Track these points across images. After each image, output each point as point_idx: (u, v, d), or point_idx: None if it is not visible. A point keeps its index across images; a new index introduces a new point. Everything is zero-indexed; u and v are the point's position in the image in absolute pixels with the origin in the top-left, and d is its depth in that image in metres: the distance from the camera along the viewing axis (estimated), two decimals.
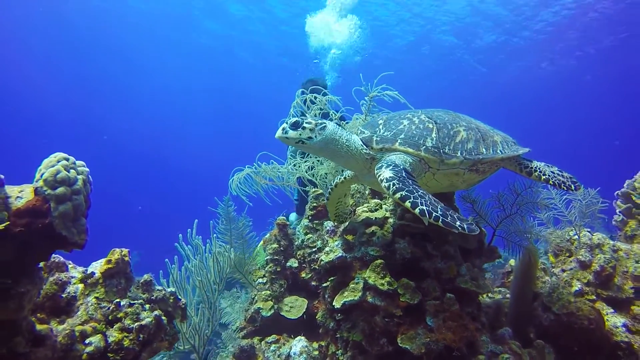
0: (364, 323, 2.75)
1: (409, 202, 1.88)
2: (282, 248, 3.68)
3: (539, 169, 2.64)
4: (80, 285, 1.89)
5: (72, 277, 1.94)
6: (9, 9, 19.84)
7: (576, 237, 3.25)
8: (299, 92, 4.13)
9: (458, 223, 1.83)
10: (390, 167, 2.12)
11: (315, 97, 4.10)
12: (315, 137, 2.22)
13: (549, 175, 2.59)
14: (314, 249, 3.30)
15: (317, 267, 3.15)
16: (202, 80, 32.25)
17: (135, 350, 1.76)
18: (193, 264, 3.18)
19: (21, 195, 1.36)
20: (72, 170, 1.48)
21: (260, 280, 3.70)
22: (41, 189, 1.39)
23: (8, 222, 1.25)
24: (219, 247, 3.41)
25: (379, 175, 2.11)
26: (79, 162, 1.54)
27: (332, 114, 4.08)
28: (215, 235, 3.54)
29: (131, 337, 1.75)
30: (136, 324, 1.77)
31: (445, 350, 2.44)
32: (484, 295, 3.17)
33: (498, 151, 2.46)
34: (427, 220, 1.84)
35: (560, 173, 2.65)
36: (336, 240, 3.09)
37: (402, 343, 2.52)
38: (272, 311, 3.38)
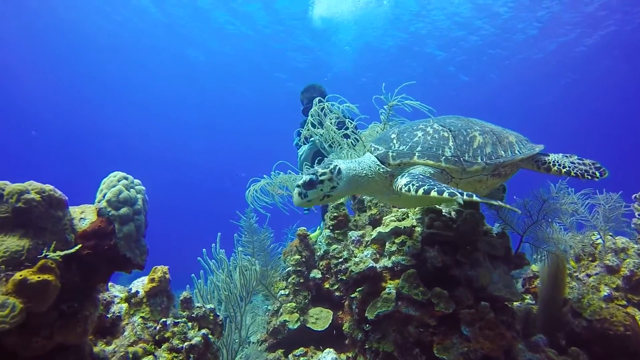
0: (395, 333, 2.74)
1: (435, 191, 1.82)
2: (304, 259, 3.66)
3: (557, 162, 2.54)
4: (125, 305, 1.87)
5: (115, 297, 1.91)
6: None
7: (599, 241, 3.27)
8: (316, 100, 4.11)
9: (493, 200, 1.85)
10: (406, 175, 2.09)
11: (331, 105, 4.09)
12: (338, 183, 2.11)
13: (569, 167, 2.48)
14: (340, 260, 3.29)
15: (345, 278, 3.14)
16: (220, 94, 32.39)
17: None
18: (218, 278, 3.15)
19: (84, 216, 1.34)
20: (132, 190, 1.46)
21: (282, 292, 3.68)
22: (105, 210, 1.37)
23: (80, 245, 1.23)
24: (244, 259, 3.39)
25: (397, 186, 2.06)
26: (136, 181, 1.52)
27: (347, 123, 4.08)
28: (240, 248, 3.52)
29: (181, 358, 1.72)
30: (186, 343, 1.74)
31: (483, 359, 2.44)
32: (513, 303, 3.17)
33: (516, 152, 2.40)
34: (462, 199, 1.76)
35: (580, 161, 2.55)
36: (364, 251, 3.09)
37: (438, 353, 2.51)
38: (299, 323, 3.35)
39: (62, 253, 1.26)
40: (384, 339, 2.83)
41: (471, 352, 2.44)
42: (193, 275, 3.25)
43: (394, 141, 2.30)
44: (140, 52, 25.25)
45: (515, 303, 3.28)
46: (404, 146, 2.24)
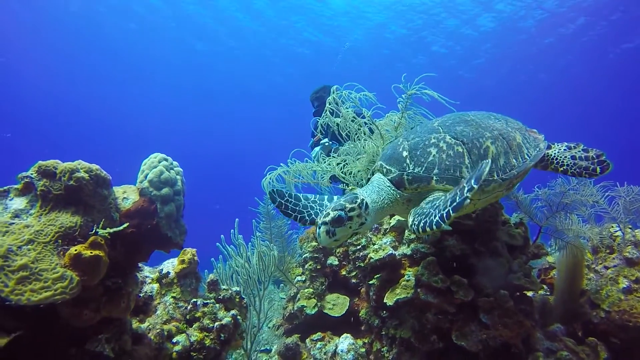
0: (413, 320, 2.78)
1: (427, 227, 1.67)
2: (321, 246, 3.69)
3: (556, 158, 2.45)
4: (156, 285, 1.92)
5: (146, 277, 1.96)
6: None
7: (618, 233, 3.26)
8: (334, 87, 4.09)
9: (466, 190, 1.57)
10: (412, 212, 1.93)
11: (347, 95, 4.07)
12: (366, 219, 1.95)
13: (567, 165, 2.40)
14: (358, 247, 3.32)
15: (364, 265, 3.18)
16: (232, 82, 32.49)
17: (217, 349, 1.78)
18: (237, 263, 3.20)
19: (126, 195, 1.38)
20: (172, 171, 1.50)
21: (298, 277, 3.73)
22: (147, 190, 1.41)
23: (127, 224, 1.27)
24: (262, 245, 3.44)
25: (409, 224, 1.90)
26: (175, 163, 1.56)
27: (364, 112, 4.06)
28: (258, 234, 3.57)
29: (212, 337, 1.78)
30: (217, 323, 1.79)
31: (502, 347, 2.47)
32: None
33: (526, 156, 2.25)
34: (446, 225, 1.60)
35: (583, 155, 2.43)
36: (383, 238, 3.12)
37: (457, 340, 2.55)
38: (316, 309, 3.41)
39: (110, 230, 1.31)
40: (401, 326, 2.87)
41: (490, 339, 2.47)
42: (213, 259, 3.31)
43: (407, 161, 2.11)
44: (152, 45, 25.32)
45: (530, 293, 3.31)
46: (419, 168, 2.06)
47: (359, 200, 1.94)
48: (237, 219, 3.70)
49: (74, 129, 41.08)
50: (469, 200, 1.50)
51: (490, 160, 2.04)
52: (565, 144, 2.58)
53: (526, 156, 2.25)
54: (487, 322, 2.54)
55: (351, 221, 1.88)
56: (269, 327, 3.97)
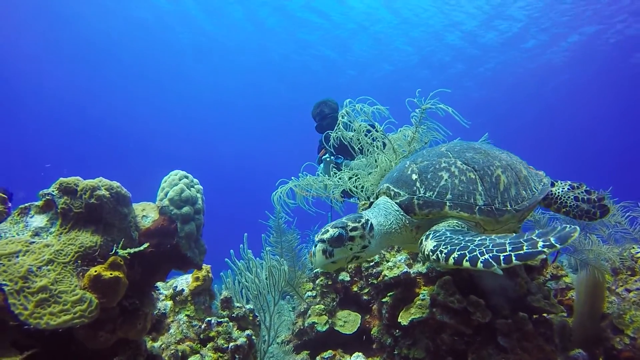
0: (428, 340, 2.71)
1: (466, 260, 1.47)
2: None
3: (560, 199, 2.40)
4: (170, 302, 1.88)
5: (160, 293, 1.93)
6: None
7: (639, 254, 3.17)
8: (347, 101, 4.08)
9: (541, 244, 1.38)
10: (431, 236, 1.74)
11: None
12: (370, 242, 1.75)
13: (570, 207, 2.38)
14: (371, 263, 3.27)
15: (377, 282, 3.12)
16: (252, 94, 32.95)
17: None
18: (247, 278, 3.16)
19: (145, 213, 1.35)
20: (192, 189, 1.47)
21: (309, 293, 3.67)
22: (167, 208, 1.38)
23: (148, 244, 1.24)
24: (272, 259, 3.39)
25: (424, 250, 1.72)
26: (195, 180, 1.53)
27: (377, 127, 4.04)
28: (268, 248, 3.53)
29: (226, 358, 1.73)
30: (231, 344, 1.75)
31: None
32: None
33: (534, 189, 2.17)
34: (500, 268, 1.40)
35: (586, 197, 2.42)
36: (397, 255, 3.06)
37: None
38: (327, 326, 3.34)
39: (131, 251, 1.28)
40: (415, 346, 2.80)
41: None
42: (222, 273, 3.27)
43: (417, 184, 1.98)
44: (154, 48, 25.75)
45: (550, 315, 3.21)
46: (431, 192, 1.93)
47: (363, 220, 1.77)
48: (245, 234, 3.66)
49: (82, 142, 41.83)
50: (544, 255, 1.40)
51: (503, 189, 2.01)
52: (569, 182, 2.57)
53: (534, 189, 2.18)
54: (505, 345, 2.46)
55: (352, 242, 1.68)
56: (277, 343, 3.90)
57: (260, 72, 27.47)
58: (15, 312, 1.07)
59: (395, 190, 2.02)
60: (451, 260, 1.51)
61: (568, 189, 2.51)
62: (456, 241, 1.59)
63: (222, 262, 3.52)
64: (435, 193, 1.92)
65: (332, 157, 5.12)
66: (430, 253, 1.63)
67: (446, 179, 1.96)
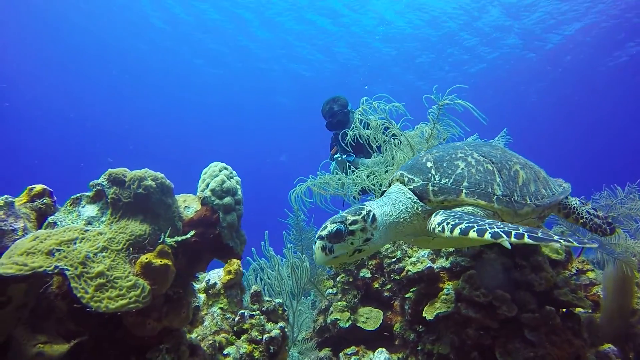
0: (452, 335, 2.70)
1: (474, 231, 1.44)
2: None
3: (577, 210, 2.37)
4: (203, 296, 1.91)
5: (194, 289, 1.96)
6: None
7: None
8: (363, 99, 4.07)
9: (557, 237, 1.34)
10: (441, 212, 1.72)
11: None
12: (373, 234, 1.65)
13: (586, 219, 2.36)
14: (393, 259, 3.27)
15: (399, 278, 3.12)
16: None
17: None
18: (269, 276, 3.18)
19: (187, 204, 1.39)
20: (232, 180, 1.50)
21: (330, 290, 3.68)
22: (209, 199, 1.41)
23: (194, 232, 1.27)
24: (294, 257, 3.42)
25: (431, 225, 1.69)
26: (234, 172, 1.56)
27: (394, 124, 4.02)
28: (289, 245, 3.55)
29: (261, 349, 1.76)
30: (266, 335, 1.77)
31: None
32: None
33: (554, 189, 2.13)
34: (509, 241, 1.36)
35: (594, 213, 2.46)
36: (420, 251, 3.06)
37: (501, 357, 2.46)
38: (350, 322, 3.35)
39: (178, 239, 1.31)
40: (439, 341, 2.80)
41: (538, 358, 2.37)
42: (244, 270, 3.30)
43: (432, 171, 1.91)
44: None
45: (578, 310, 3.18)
46: (447, 179, 1.86)
47: (364, 212, 1.68)
48: (266, 231, 3.69)
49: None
50: (558, 245, 1.31)
51: (522, 183, 1.97)
52: (578, 199, 2.59)
53: (554, 189, 2.15)
54: (533, 339, 2.44)
55: (353, 236, 1.59)
56: (298, 341, 3.91)
57: (273, 74, 27.65)
58: (78, 295, 1.11)
59: (409, 176, 1.94)
60: (457, 231, 1.47)
61: (579, 203, 2.52)
62: (466, 217, 1.56)
63: (243, 259, 3.56)
64: (452, 180, 1.85)
65: (344, 156, 5.10)
66: (437, 225, 1.59)
67: (462, 168, 1.91)
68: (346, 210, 1.73)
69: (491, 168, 1.93)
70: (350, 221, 1.61)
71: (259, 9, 19.34)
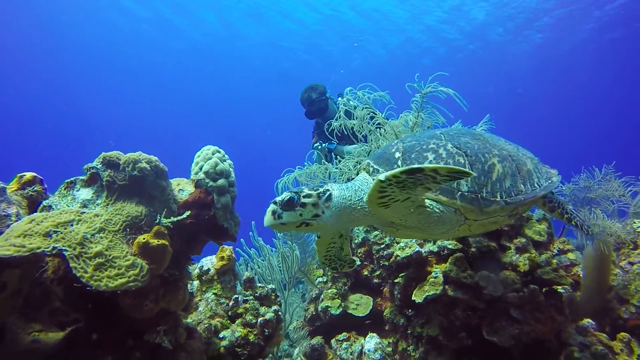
0: (441, 317, 2.77)
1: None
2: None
3: (562, 205, 2.33)
4: (197, 282, 1.92)
5: (189, 272, 1.96)
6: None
7: None
8: (348, 89, 4.07)
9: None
10: None
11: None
12: (323, 212, 1.68)
13: (571, 214, 2.31)
14: (382, 246, 3.33)
15: (388, 263, 3.18)
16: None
17: (261, 344, 1.78)
18: (260, 264, 3.20)
19: (181, 187, 1.39)
20: (225, 162, 1.51)
21: (320, 279, 3.73)
22: (203, 181, 1.42)
23: (189, 212, 1.28)
24: (284, 246, 3.44)
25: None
26: (226, 155, 1.57)
27: (378, 114, 4.04)
28: (280, 235, 3.57)
29: (255, 332, 1.78)
30: (260, 319, 1.79)
31: (534, 342, 2.47)
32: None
33: (536, 185, 2.03)
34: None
35: (577, 212, 2.47)
36: None
37: (488, 335, 2.54)
38: (341, 309, 3.40)
39: (174, 219, 1.32)
40: (428, 323, 2.87)
41: (523, 334, 2.46)
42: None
43: (399, 162, 1.87)
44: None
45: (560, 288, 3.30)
46: None
47: (321, 190, 1.71)
48: (253, 222, 3.69)
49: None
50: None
51: (495, 178, 1.88)
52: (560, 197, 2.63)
53: (536, 185, 2.04)
54: (519, 317, 2.53)
55: (303, 208, 1.63)
56: (290, 330, 3.95)
57: (264, 67, 27.53)
58: (77, 275, 1.11)
59: (374, 166, 1.92)
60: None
61: (562, 199, 2.50)
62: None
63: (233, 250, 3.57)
64: None
65: (325, 144, 5.07)
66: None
67: (430, 160, 1.85)
68: (307, 186, 1.77)
69: (462, 161, 1.86)
70: (304, 194, 1.66)
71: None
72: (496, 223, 2.01)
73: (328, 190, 1.73)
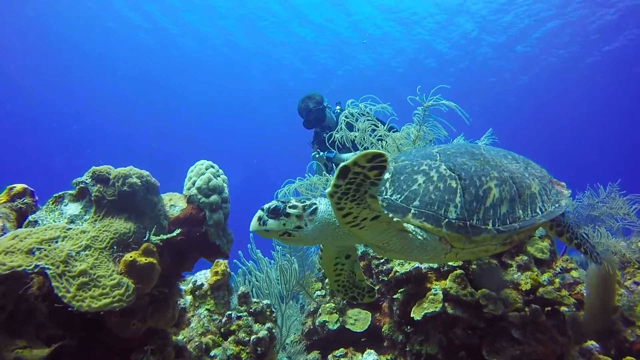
0: (441, 335, 2.71)
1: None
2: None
3: (571, 229, 2.21)
4: (189, 297, 1.88)
5: (179, 289, 1.93)
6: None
7: None
8: (349, 102, 4.06)
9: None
10: None
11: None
12: (306, 225, 1.67)
13: (580, 240, 2.20)
14: (381, 260, 3.28)
15: (387, 279, 3.12)
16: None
17: None
18: (258, 277, 3.16)
19: (173, 203, 1.37)
20: (219, 178, 1.49)
21: (318, 292, 3.67)
22: (195, 197, 1.40)
23: (180, 230, 1.25)
24: (282, 259, 3.41)
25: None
26: (220, 170, 1.55)
27: (380, 126, 4.01)
28: (279, 247, 3.53)
29: (248, 350, 1.74)
30: (253, 337, 1.75)
31: None
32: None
33: (538, 211, 1.90)
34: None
35: (587, 237, 2.34)
36: None
37: (488, 356, 2.48)
38: (338, 324, 3.34)
39: (163, 237, 1.29)
40: (427, 341, 2.80)
41: (524, 356, 2.40)
42: (233, 273, 3.28)
43: (387, 184, 1.83)
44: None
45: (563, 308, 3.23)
46: (398, 195, 1.77)
47: (308, 203, 1.70)
48: (251, 234, 3.64)
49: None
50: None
51: (489, 204, 1.79)
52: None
53: (538, 210, 1.91)
54: (520, 337, 2.47)
55: (287, 218, 1.64)
56: (287, 344, 3.89)
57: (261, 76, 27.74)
58: (59, 294, 1.08)
59: None
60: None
61: (574, 223, 2.39)
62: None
63: (230, 262, 3.53)
64: (403, 197, 1.76)
65: (323, 153, 5.03)
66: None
67: (419, 184, 1.79)
68: (296, 198, 1.78)
69: (455, 185, 1.78)
70: (290, 205, 1.67)
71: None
72: (487, 251, 1.93)
73: (314, 204, 1.71)
